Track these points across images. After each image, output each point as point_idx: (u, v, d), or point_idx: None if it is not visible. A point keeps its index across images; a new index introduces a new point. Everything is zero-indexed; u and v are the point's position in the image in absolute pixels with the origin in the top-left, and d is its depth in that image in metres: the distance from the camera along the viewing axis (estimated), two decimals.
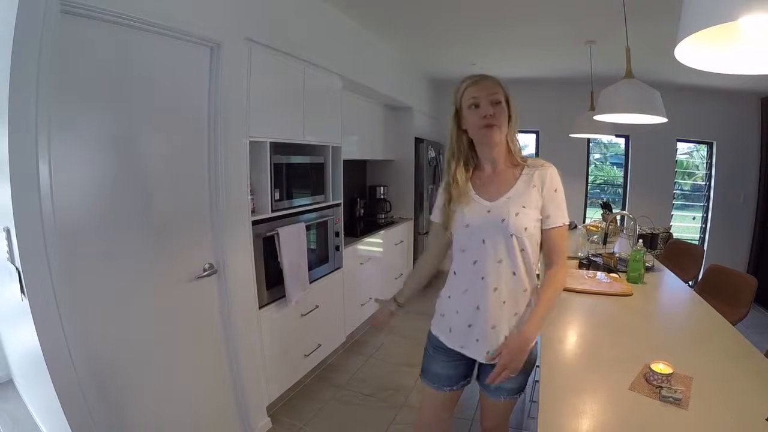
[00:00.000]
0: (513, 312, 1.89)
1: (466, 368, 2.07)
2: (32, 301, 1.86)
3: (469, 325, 1.92)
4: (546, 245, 1.94)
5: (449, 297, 2.03)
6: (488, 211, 1.88)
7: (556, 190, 1.91)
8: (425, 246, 2.27)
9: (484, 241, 1.87)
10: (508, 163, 1.96)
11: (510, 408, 2.13)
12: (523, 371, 1.90)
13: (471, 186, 1.97)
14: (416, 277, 2.25)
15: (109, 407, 2.26)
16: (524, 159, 1.98)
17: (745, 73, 1.40)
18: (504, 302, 1.87)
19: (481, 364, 2.02)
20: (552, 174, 1.92)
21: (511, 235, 1.84)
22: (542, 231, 1.92)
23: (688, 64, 1.40)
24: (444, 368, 2.07)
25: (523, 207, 1.86)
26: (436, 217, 2.09)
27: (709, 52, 1.38)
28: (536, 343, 1.91)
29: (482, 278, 1.88)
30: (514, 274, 1.88)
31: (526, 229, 1.85)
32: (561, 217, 1.91)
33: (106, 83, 2.20)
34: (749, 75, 1.39)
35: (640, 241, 3.33)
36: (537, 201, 1.88)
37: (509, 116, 1.90)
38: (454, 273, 2.00)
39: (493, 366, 1.84)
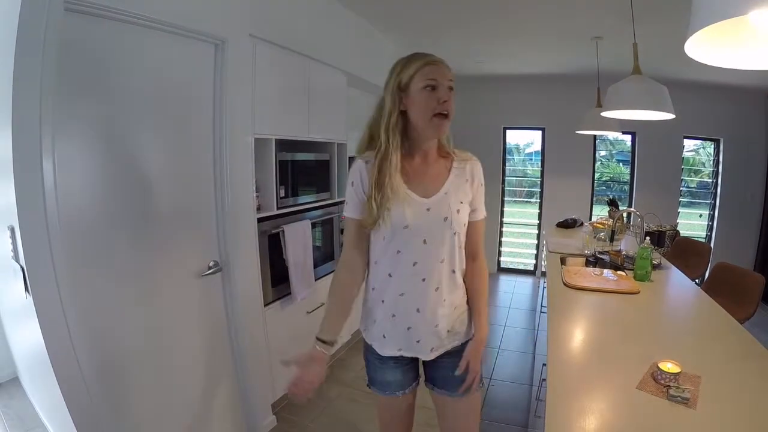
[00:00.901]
0: (452, 307, 1.85)
1: (412, 369, 1.98)
2: (36, 299, 1.86)
3: (408, 328, 1.81)
4: (470, 238, 1.89)
5: (382, 301, 1.83)
6: (428, 209, 1.75)
7: (481, 184, 1.90)
8: (344, 252, 1.90)
9: (425, 241, 1.75)
10: (438, 153, 1.86)
11: (475, 409, 2.02)
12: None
13: (401, 178, 1.76)
14: (345, 304, 1.89)
15: (114, 404, 2.26)
16: (452, 150, 1.88)
17: (755, 69, 1.38)
18: (444, 300, 1.81)
19: (426, 362, 1.94)
20: (480, 169, 1.90)
21: (454, 233, 1.78)
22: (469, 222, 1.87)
23: (698, 60, 1.38)
24: (390, 374, 1.92)
25: (461, 202, 1.80)
26: (354, 213, 1.82)
27: (718, 47, 1.36)
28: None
29: (423, 279, 1.77)
30: (453, 272, 1.83)
31: (464, 225, 1.83)
32: (483, 210, 1.93)
33: (110, 81, 2.19)
34: (756, 71, 1.37)
35: (647, 238, 3.31)
36: (469, 195, 1.84)
37: None
38: (389, 275, 1.79)
39: (440, 360, 1.88)
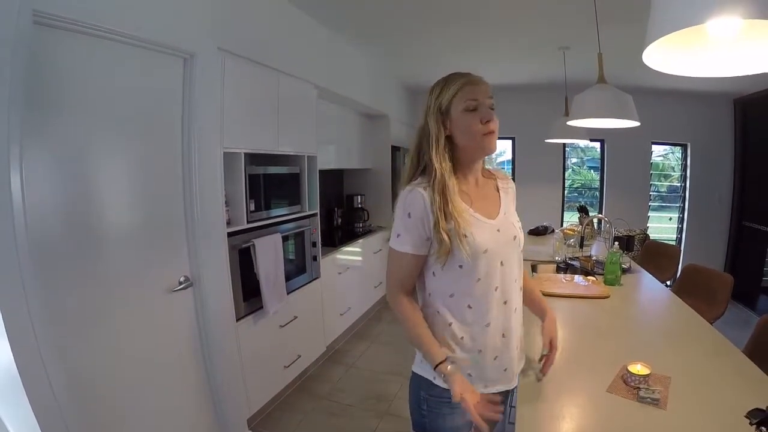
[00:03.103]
0: (521, 325, 1.80)
1: None
2: (5, 315, 1.81)
3: (495, 358, 1.69)
4: None
5: (462, 338, 1.66)
6: (498, 230, 1.67)
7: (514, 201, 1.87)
8: (406, 287, 1.70)
9: (501, 263, 1.65)
10: (483, 174, 1.81)
11: None
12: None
13: (464, 203, 1.66)
14: (424, 322, 1.70)
15: (86, 422, 2.22)
16: (489, 168, 1.87)
17: (713, 76, 1.42)
18: (521, 321, 1.79)
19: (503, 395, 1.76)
20: (514, 186, 1.90)
21: (521, 251, 1.76)
22: None
23: (656, 68, 1.41)
24: (463, 416, 1.65)
25: (518, 221, 1.78)
26: (416, 248, 1.65)
27: (676, 55, 1.39)
28: None
29: (505, 302, 1.68)
30: (520, 289, 1.78)
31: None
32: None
33: (79, 94, 2.17)
34: (720, 77, 1.41)
35: (616, 243, 3.36)
36: (515, 214, 1.82)
37: None
38: (469, 307, 1.64)
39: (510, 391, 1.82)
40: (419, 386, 1.75)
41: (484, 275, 1.62)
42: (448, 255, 1.59)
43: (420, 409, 1.75)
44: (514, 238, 1.71)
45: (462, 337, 1.66)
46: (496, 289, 1.65)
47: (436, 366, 1.59)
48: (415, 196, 1.62)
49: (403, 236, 1.64)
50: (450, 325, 1.66)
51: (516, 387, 1.81)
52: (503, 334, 1.68)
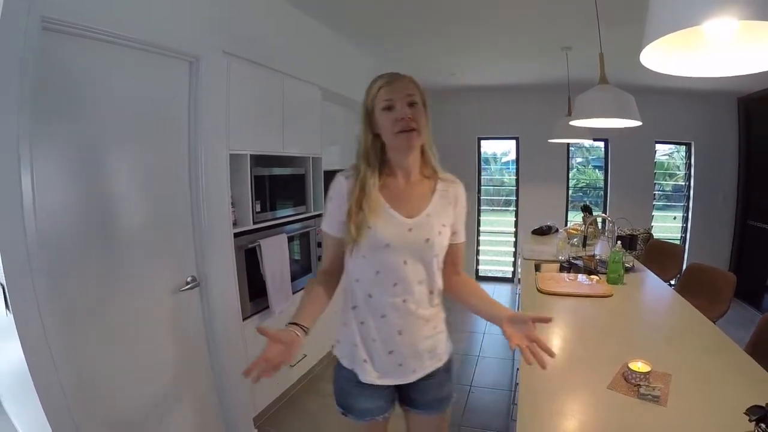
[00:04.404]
0: (433, 328, 1.84)
1: (392, 390, 1.90)
2: (17, 316, 1.85)
3: (390, 352, 1.76)
4: (453, 257, 1.90)
5: (362, 323, 1.78)
6: (409, 230, 1.72)
7: (464, 207, 1.91)
8: (322, 265, 1.92)
9: (405, 262, 1.71)
10: (421, 173, 1.84)
11: (445, 424, 2.04)
12: (448, 379, 1.95)
13: (382, 197, 1.75)
14: (321, 299, 1.84)
15: (95, 422, 2.25)
16: (437, 169, 1.87)
17: (710, 76, 1.44)
18: (426, 321, 1.80)
19: (402, 386, 1.87)
20: (463, 192, 1.91)
21: (435, 255, 1.77)
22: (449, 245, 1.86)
23: (653, 69, 1.43)
24: (370, 401, 1.85)
25: (443, 225, 1.79)
26: (333, 229, 1.80)
27: (674, 56, 1.41)
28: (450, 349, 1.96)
29: (404, 301, 1.73)
30: (431, 293, 1.81)
31: (444, 247, 1.82)
32: (463, 234, 1.93)
33: (87, 98, 2.20)
34: (720, 77, 1.42)
35: (619, 242, 3.37)
36: (451, 218, 1.84)
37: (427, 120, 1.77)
38: (369, 296, 1.75)
39: (419, 382, 1.85)
40: (335, 367, 1.91)
41: (383, 269, 1.71)
42: (354, 242, 1.70)
43: (335, 387, 1.93)
44: (427, 240, 1.73)
45: (362, 323, 1.77)
46: (394, 285, 1.72)
47: (290, 322, 1.68)
48: (337, 183, 1.79)
49: (325, 217, 1.83)
50: (353, 308, 1.80)
51: (517, 384, 1.84)
52: (399, 332, 1.75)
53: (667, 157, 7.79)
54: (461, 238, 1.92)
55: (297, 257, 4.07)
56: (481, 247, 8.28)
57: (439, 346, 1.87)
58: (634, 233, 5.64)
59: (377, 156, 1.77)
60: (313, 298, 1.82)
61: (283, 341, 1.56)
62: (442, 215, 1.79)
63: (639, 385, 1.72)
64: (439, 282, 1.85)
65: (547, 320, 1.65)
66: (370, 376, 1.78)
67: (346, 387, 1.86)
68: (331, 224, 1.81)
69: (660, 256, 5.05)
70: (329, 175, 4.56)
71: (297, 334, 1.62)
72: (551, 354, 1.55)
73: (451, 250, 1.87)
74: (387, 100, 1.68)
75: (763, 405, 1.35)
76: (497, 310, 1.80)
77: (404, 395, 1.92)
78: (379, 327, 1.75)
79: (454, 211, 1.85)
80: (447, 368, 1.93)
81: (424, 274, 1.76)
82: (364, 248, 1.71)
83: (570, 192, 7.73)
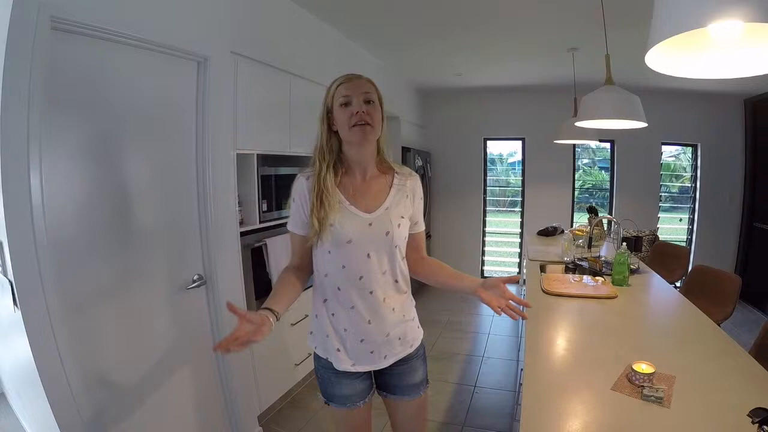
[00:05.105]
0: (402, 315, 1.94)
1: (369, 377, 2.02)
2: (25, 312, 1.88)
3: (362, 340, 1.87)
4: (416, 245, 2.03)
5: (333, 315, 1.88)
6: (370, 224, 1.83)
7: (421, 199, 2.03)
8: (290, 262, 1.98)
9: (369, 255, 1.82)
10: (378, 169, 1.95)
11: (424, 407, 2.13)
12: (421, 364, 2.06)
13: (341, 194, 1.85)
14: (295, 287, 1.90)
15: (102, 420, 2.27)
16: (392, 165, 1.99)
17: (715, 78, 1.44)
18: (393, 309, 1.90)
19: (377, 372, 2.00)
20: (419, 184, 2.03)
21: (395, 246, 1.87)
22: (410, 234, 1.98)
23: (658, 70, 1.44)
24: (348, 387, 1.96)
25: (402, 217, 1.89)
26: (297, 228, 1.90)
27: (679, 57, 1.42)
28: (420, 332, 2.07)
29: (370, 292, 1.84)
30: (396, 281, 1.91)
31: (404, 238, 1.93)
32: (423, 224, 2.07)
33: (96, 97, 2.22)
34: (730, 78, 1.43)
35: (624, 244, 3.37)
36: (409, 210, 1.94)
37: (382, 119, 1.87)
38: (338, 289, 1.84)
39: (393, 368, 1.96)
40: (314, 357, 2.00)
41: (348, 263, 1.81)
42: (317, 238, 1.80)
43: (317, 376, 2.02)
44: (387, 233, 1.84)
45: (333, 314, 1.88)
46: (360, 278, 1.82)
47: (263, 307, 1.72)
48: (298, 184, 1.90)
49: (291, 218, 1.92)
50: (325, 301, 1.90)
51: (521, 384, 1.86)
52: (369, 321, 1.86)
53: (673, 158, 7.77)
54: (421, 227, 2.06)
55: None
56: (486, 248, 8.29)
57: (409, 333, 1.98)
58: (640, 235, 5.63)
59: (333, 153, 1.86)
60: (286, 287, 1.87)
61: (254, 322, 1.59)
62: (400, 207, 1.90)
63: (643, 386, 1.73)
64: (404, 270, 1.96)
65: (515, 280, 1.87)
66: (344, 364, 1.88)
67: (325, 375, 1.97)
68: (295, 224, 1.91)
69: (665, 258, 5.04)
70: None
71: (268, 318, 1.65)
72: (528, 305, 1.77)
73: (414, 239, 2.01)
74: (344, 96, 1.78)
75: (767, 407, 1.35)
76: (467, 281, 1.93)
77: (381, 382, 2.04)
78: (349, 317, 1.86)
79: (413, 203, 1.97)
80: (419, 354, 2.04)
81: (387, 264, 1.87)
82: (328, 244, 1.80)
83: (576, 193, 7.72)
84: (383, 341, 1.89)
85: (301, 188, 1.87)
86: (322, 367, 1.96)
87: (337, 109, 1.80)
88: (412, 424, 2.12)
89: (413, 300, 2.06)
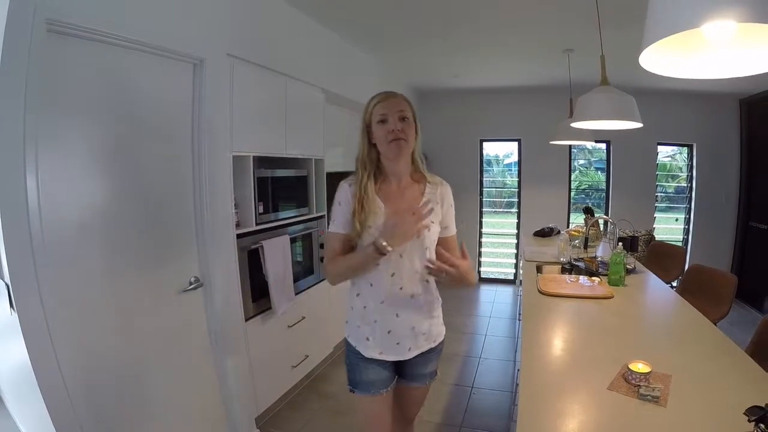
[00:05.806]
0: (429, 312, 2.12)
1: (393, 368, 2.15)
2: (21, 315, 1.87)
3: (389, 332, 2.04)
4: (446, 248, 2.13)
5: (365, 307, 2.07)
6: None
7: (451, 206, 2.20)
8: (333, 254, 2.07)
9: (401, 255, 1.99)
10: (412, 178, 2.13)
11: (425, 395, 2.36)
12: (437, 357, 2.24)
13: (380, 200, 2.03)
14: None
15: (99, 422, 2.26)
16: (425, 174, 2.15)
17: (710, 78, 1.44)
18: (421, 306, 2.08)
19: (400, 362, 2.14)
20: (449, 192, 2.21)
21: (426, 248, 2.03)
22: (440, 238, 2.13)
23: (652, 71, 1.44)
24: (374, 373, 2.10)
25: (432, 222, 2.03)
26: (340, 228, 2.04)
27: (673, 58, 1.42)
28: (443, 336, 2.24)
29: (400, 288, 2.02)
30: (427, 281, 2.09)
31: (434, 241, 2.08)
32: (454, 228, 2.23)
33: (91, 100, 2.23)
34: (725, 78, 1.43)
35: (620, 244, 3.38)
36: (439, 216, 2.11)
37: (416, 133, 2.06)
38: (371, 285, 2.04)
39: (414, 359, 2.12)
40: (345, 344, 2.19)
41: (382, 262, 1.97)
42: (359, 237, 1.99)
43: (346, 362, 2.20)
44: (418, 236, 1.98)
45: (365, 307, 2.07)
46: (392, 275, 2.01)
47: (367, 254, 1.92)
48: (342, 189, 2.08)
49: (335, 221, 2.07)
50: (358, 295, 2.10)
51: (517, 385, 1.88)
52: (397, 315, 2.04)
53: (669, 158, 7.79)
54: (452, 231, 2.22)
55: (299, 258, 4.08)
56: (483, 249, 8.29)
57: (433, 329, 2.16)
58: (636, 235, 5.64)
59: (373, 163, 2.06)
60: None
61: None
62: (430, 213, 1.98)
63: (639, 385, 1.73)
64: None
65: (464, 254, 2.00)
66: (372, 351, 2.07)
67: (354, 361, 2.13)
68: (338, 225, 2.05)
69: (661, 258, 5.05)
70: (332, 177, 4.58)
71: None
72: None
73: (445, 242, 2.16)
74: (381, 114, 1.99)
75: (763, 405, 1.35)
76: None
77: (399, 370, 2.20)
78: (379, 310, 2.04)
79: (442, 209, 2.14)
80: (438, 349, 2.23)
81: (418, 265, 2.03)
82: (367, 244, 1.94)
83: (572, 194, 7.73)
84: (409, 335, 2.06)
85: (345, 192, 2.05)
86: (352, 353, 2.13)
87: (375, 125, 2.00)
88: (415, 408, 2.39)
89: (440, 299, 2.21)
